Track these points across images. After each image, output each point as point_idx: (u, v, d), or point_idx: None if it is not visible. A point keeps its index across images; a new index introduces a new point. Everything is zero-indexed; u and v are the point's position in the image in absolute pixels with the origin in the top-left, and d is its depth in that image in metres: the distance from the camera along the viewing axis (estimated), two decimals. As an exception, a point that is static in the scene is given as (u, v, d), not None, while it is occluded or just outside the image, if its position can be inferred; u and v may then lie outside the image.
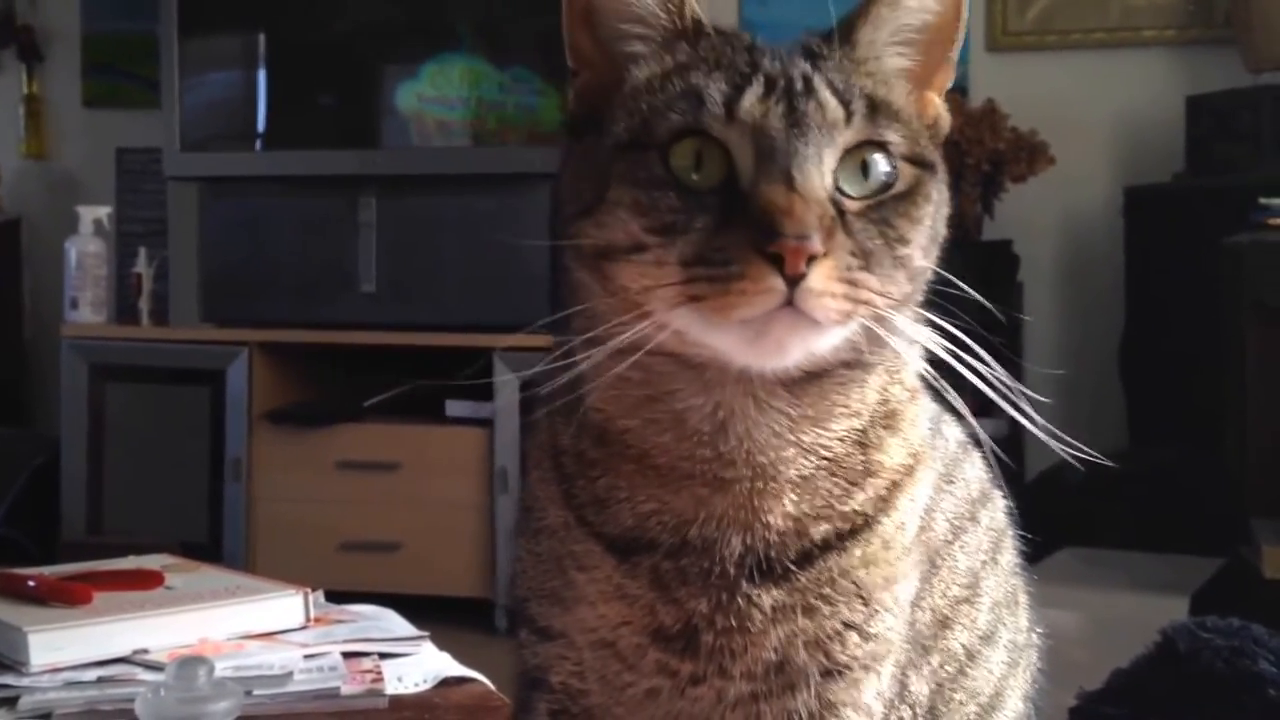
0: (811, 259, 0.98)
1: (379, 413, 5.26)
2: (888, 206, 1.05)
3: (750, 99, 1.04)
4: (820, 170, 1.02)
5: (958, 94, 5.26)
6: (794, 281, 0.98)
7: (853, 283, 1.00)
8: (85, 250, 5.56)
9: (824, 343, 1.03)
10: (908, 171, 1.07)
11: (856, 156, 1.05)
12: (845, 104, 1.05)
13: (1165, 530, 4.21)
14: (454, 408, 5.12)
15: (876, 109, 1.06)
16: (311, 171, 5.39)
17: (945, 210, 1.12)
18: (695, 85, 1.06)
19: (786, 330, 1.00)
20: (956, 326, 1.08)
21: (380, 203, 5.30)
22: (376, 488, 5.14)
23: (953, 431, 1.28)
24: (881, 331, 1.04)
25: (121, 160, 6.26)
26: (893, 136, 1.06)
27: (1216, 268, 4.03)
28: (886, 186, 1.06)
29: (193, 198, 5.74)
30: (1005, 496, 1.35)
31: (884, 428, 1.12)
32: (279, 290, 5.40)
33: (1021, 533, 1.36)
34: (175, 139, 5.47)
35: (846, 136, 1.04)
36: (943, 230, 1.12)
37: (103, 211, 5.69)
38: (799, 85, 1.05)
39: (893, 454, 1.12)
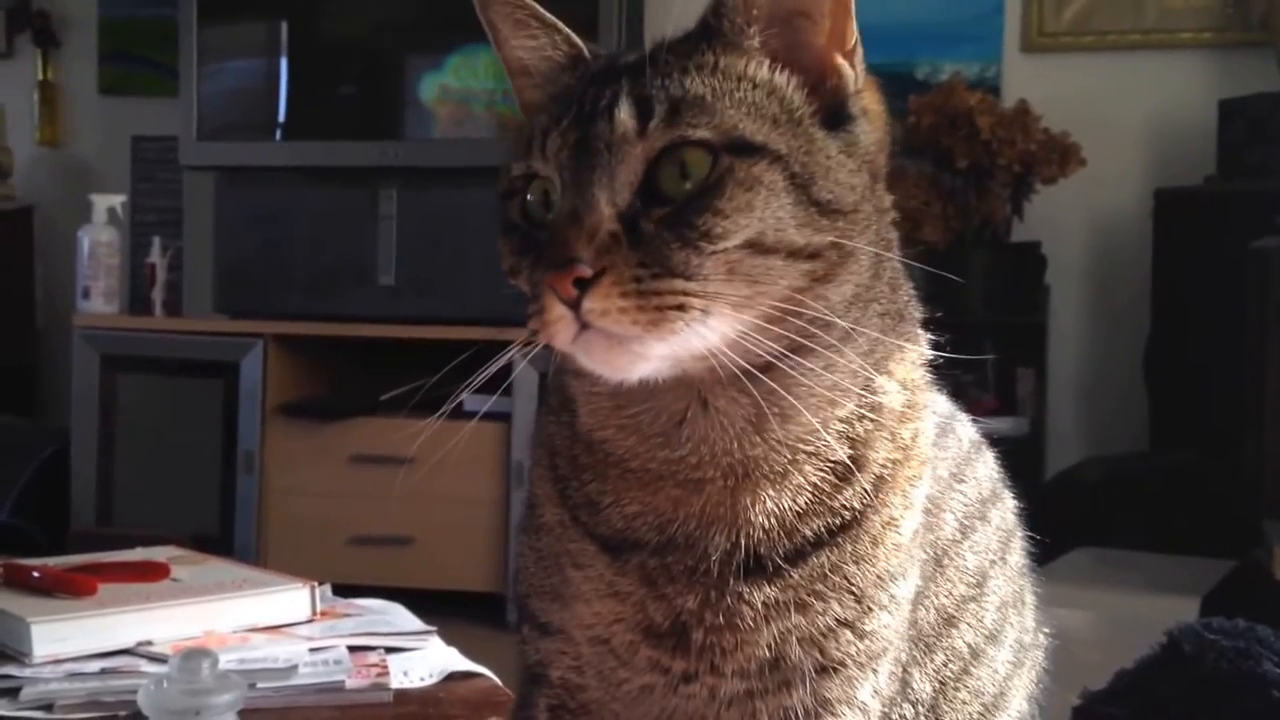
0: (581, 281, 0.99)
1: (394, 407, 5.25)
2: (690, 206, 1.02)
3: (554, 133, 1.06)
4: (610, 190, 1.03)
5: (990, 95, 5.26)
6: (574, 305, 1.00)
7: (646, 293, 1.00)
8: (98, 239, 5.54)
9: (668, 349, 1.02)
10: (724, 161, 1.03)
11: (674, 159, 1.04)
12: (643, 112, 1.04)
13: (1180, 532, 4.22)
14: (472, 402, 5.09)
15: (680, 108, 1.04)
16: (331, 163, 5.39)
17: (836, 177, 1.06)
18: (534, 126, 1.09)
19: (605, 350, 1.02)
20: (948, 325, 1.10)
21: (401, 195, 5.29)
22: (390, 482, 5.13)
23: (966, 430, 1.29)
24: (788, 314, 1.03)
25: (137, 148, 6.26)
26: (699, 132, 1.04)
27: (1243, 271, 4.01)
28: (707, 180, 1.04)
29: (208, 187, 5.73)
30: (1016, 496, 1.35)
31: (870, 422, 1.11)
32: (295, 282, 5.40)
33: (1034, 533, 1.37)
34: (192, 127, 5.46)
35: (643, 148, 1.03)
36: (845, 197, 1.06)
37: (117, 200, 5.68)
38: (603, 104, 1.05)
39: (878, 449, 1.12)
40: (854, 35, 1.10)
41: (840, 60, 1.10)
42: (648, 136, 1.03)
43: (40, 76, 6.66)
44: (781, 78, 1.08)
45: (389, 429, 5.18)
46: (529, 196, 1.09)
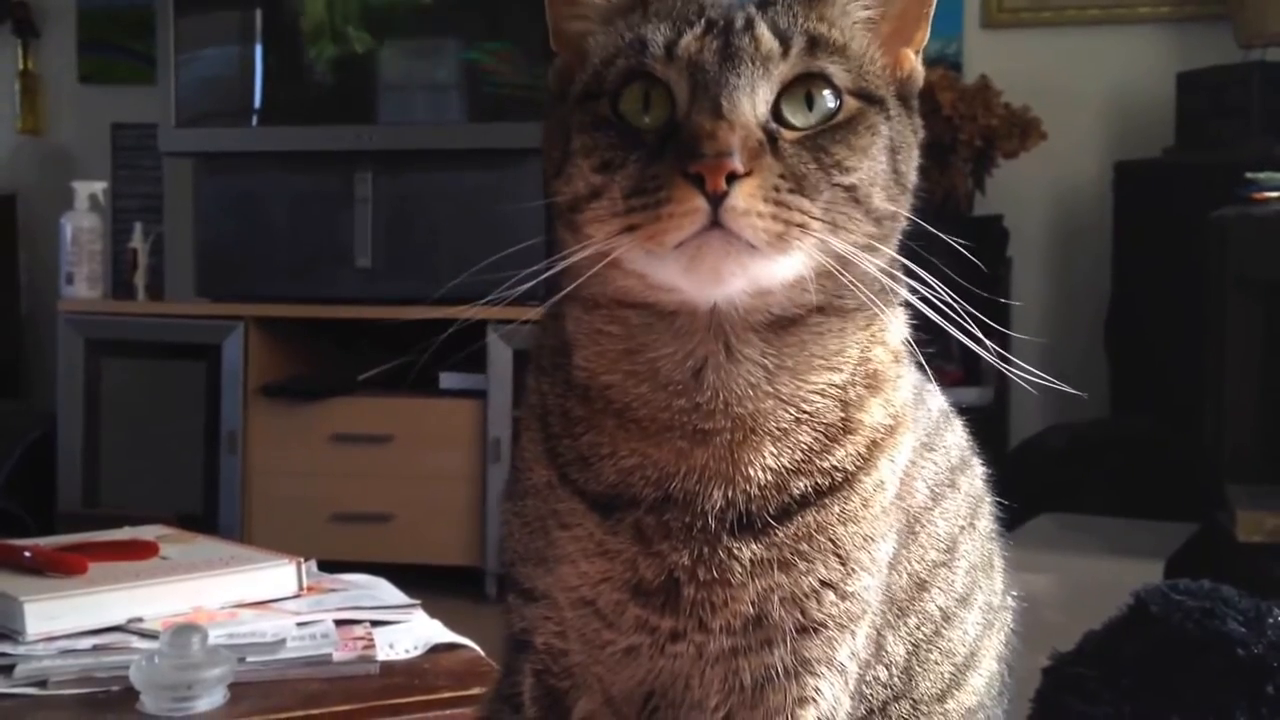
0: (733, 177, 1.00)
1: (373, 386, 5.28)
2: (825, 135, 1.06)
3: (688, 38, 1.07)
4: (752, 99, 1.04)
5: (952, 70, 5.28)
6: (717, 200, 1.00)
7: (782, 204, 1.01)
8: (80, 226, 5.55)
9: (765, 271, 1.04)
10: (851, 104, 1.08)
11: (800, 90, 1.07)
12: (783, 39, 1.07)
13: (1143, 497, 4.25)
14: (448, 380, 5.14)
15: (817, 44, 1.08)
16: (307, 147, 5.38)
17: (911, 155, 1.14)
18: (641, 34, 1.09)
19: (719, 254, 1.01)
20: (935, 288, 1.10)
21: (376, 178, 5.30)
22: (370, 460, 5.16)
23: (935, 400, 1.31)
24: (839, 269, 1.05)
25: (117, 136, 6.25)
26: (833, 69, 1.08)
27: (1201, 241, 4.04)
28: (831, 118, 1.08)
29: (188, 173, 5.75)
30: (984, 463, 1.37)
31: (865, 387, 1.13)
32: (274, 265, 5.39)
33: (1001, 499, 1.39)
34: (171, 115, 5.46)
35: (783, 69, 1.06)
36: (910, 176, 1.13)
37: (98, 187, 5.68)
38: (739, 24, 1.08)
39: (873, 413, 1.14)
40: (925, 40, 1.17)
41: (914, 56, 1.16)
42: (789, 60, 1.06)
43: (20, 66, 6.64)
44: (876, 50, 1.14)
45: (368, 408, 5.21)
46: (622, 104, 1.08)
